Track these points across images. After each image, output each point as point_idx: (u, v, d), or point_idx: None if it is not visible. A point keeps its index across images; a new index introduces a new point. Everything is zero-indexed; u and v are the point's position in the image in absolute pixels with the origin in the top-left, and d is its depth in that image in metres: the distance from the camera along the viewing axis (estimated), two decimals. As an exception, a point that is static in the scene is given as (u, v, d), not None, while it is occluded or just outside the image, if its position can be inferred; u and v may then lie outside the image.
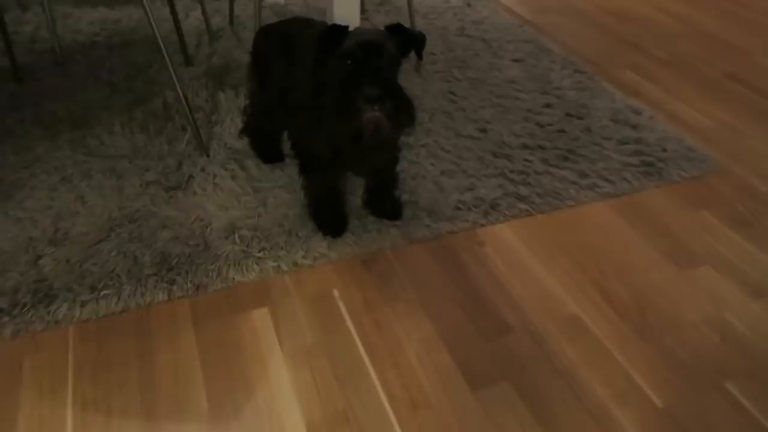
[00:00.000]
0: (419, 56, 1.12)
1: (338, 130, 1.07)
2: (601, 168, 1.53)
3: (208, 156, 1.51)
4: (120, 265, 1.20)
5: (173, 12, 1.84)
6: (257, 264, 1.23)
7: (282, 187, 1.43)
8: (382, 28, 1.09)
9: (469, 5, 2.45)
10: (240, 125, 1.60)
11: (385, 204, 1.35)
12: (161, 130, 1.60)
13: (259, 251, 1.25)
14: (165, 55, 1.46)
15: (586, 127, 1.68)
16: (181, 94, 1.48)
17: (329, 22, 1.33)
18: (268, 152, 1.51)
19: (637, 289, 1.23)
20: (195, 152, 1.52)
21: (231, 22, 2.17)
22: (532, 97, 1.82)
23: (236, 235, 1.28)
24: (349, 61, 1.02)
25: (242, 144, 1.56)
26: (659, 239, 1.36)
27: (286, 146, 1.51)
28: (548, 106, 1.78)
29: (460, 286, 1.23)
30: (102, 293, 1.14)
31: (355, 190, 1.42)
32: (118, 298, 1.14)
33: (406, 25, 1.09)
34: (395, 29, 1.08)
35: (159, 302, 1.15)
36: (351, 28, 1.08)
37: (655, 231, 1.39)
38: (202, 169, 1.47)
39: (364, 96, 0.97)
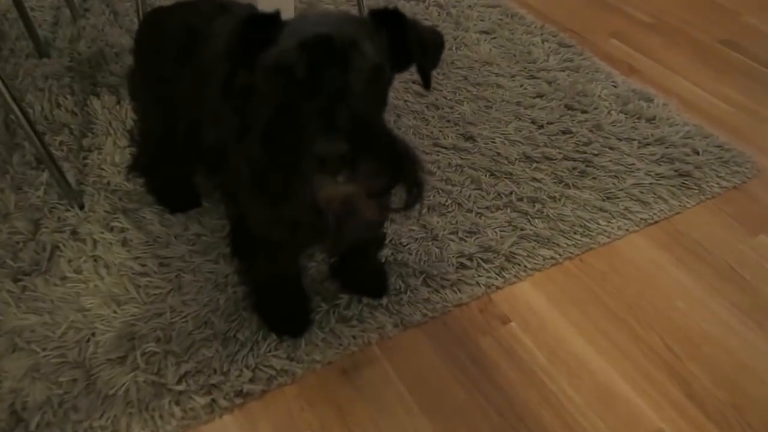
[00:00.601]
0: (426, 80, 0.65)
1: (268, 218, 0.64)
2: (629, 185, 1.16)
3: (81, 208, 1.00)
4: (-65, 443, 0.71)
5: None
6: (177, 404, 0.77)
7: (202, 253, 0.95)
8: (355, 11, 0.63)
9: (411, -41, 1.97)
10: (128, 154, 1.08)
11: (365, 275, 0.92)
12: (3, 169, 1.05)
13: (179, 380, 0.79)
14: None
15: (596, 124, 1.31)
16: (16, 109, 0.94)
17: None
18: (174, 197, 1.02)
19: (725, 376, 0.89)
20: (60, 204, 1.00)
21: (101, -11, 1.58)
22: (517, 83, 1.42)
23: (138, 354, 0.81)
24: (283, 82, 0.55)
25: (134, 183, 1.05)
26: (723, 284, 1.03)
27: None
28: (541, 96, 1.38)
29: (492, 400, 0.84)
30: None
31: (315, 254, 0.98)
32: None
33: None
34: (384, 17, 0.62)
35: (12, 507, 0.68)
36: (288, 15, 0.62)
37: (715, 272, 1.05)
38: (74, 234, 0.96)
39: (313, 156, 0.51)
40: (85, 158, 1.09)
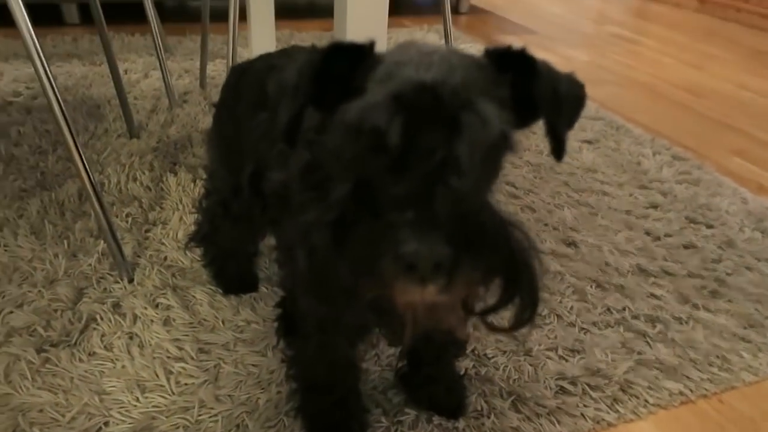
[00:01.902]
0: (557, 145, 0.50)
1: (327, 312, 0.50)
2: (778, 312, 0.93)
3: (130, 281, 0.91)
4: None
5: (111, 62, 1.29)
6: None
7: (249, 343, 0.81)
8: (466, 50, 0.51)
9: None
10: (192, 226, 1.00)
11: (438, 387, 0.73)
12: (64, 235, 1.00)
13: (191, 496, 0.62)
14: (59, 116, 0.87)
15: (726, 240, 1.10)
16: (86, 179, 0.89)
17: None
18: (230, 275, 0.91)
19: None
20: (110, 274, 0.92)
21: (202, 84, 1.64)
22: (626, 192, 1.26)
23: (150, 455, 0.66)
24: (368, 149, 0.42)
25: (191, 259, 0.96)
26: None
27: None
28: (655, 206, 1.21)
29: None
30: None
31: (378, 341, 0.82)
32: None
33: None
34: (507, 59, 0.48)
35: None
36: (383, 46, 0.50)
37: None
38: (116, 307, 0.86)
39: (398, 257, 0.38)
40: (147, 231, 1.02)
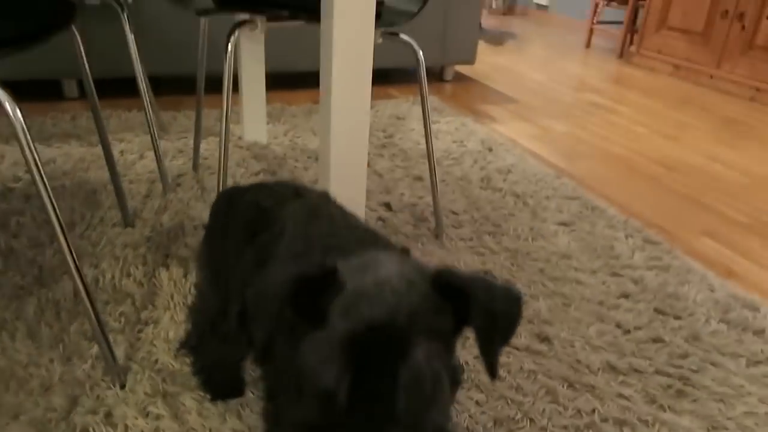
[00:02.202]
0: (490, 363, 0.53)
1: None
2: (740, 414, 0.98)
3: (122, 387, 0.95)
4: None
5: (105, 147, 1.35)
6: None
7: (236, 454, 0.85)
8: (420, 266, 0.55)
9: (490, 150, 2.03)
10: (182, 330, 1.05)
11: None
12: (59, 337, 1.04)
13: None
14: (52, 213, 0.93)
15: (692, 333, 1.16)
16: (81, 286, 0.94)
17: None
18: (218, 383, 0.95)
19: None
20: (103, 380, 0.96)
21: (194, 167, 1.70)
22: (599, 281, 1.32)
23: None
24: (320, 398, 0.48)
25: (182, 362, 1.00)
26: None
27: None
28: (626, 296, 1.27)
29: None
30: None
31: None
32: None
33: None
34: (447, 286, 0.52)
35: None
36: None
37: None
38: (107, 416, 0.90)
39: None
40: (139, 331, 1.07)
